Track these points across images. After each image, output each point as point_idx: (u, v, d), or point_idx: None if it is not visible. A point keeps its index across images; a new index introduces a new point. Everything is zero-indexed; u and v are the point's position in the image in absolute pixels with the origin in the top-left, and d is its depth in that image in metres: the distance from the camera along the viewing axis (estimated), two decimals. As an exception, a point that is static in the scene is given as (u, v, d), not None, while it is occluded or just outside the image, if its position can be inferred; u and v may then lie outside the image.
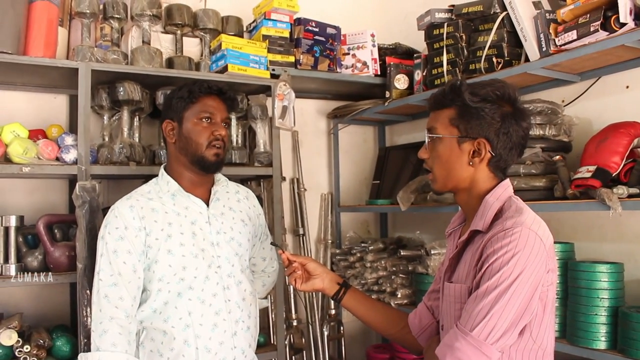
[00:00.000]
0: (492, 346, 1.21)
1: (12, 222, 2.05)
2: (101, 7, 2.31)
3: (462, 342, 1.22)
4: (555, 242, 2.00)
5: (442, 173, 1.41)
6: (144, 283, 1.73)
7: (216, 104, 1.83)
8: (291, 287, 2.87)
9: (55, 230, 2.19)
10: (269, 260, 2.10)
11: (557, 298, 1.98)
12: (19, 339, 1.98)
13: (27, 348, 1.98)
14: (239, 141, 2.58)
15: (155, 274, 1.72)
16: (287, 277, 1.72)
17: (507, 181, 1.41)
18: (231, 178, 2.62)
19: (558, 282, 1.98)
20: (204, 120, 1.79)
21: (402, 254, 2.63)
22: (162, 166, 1.88)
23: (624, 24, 1.77)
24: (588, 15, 1.86)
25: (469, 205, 1.42)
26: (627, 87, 2.09)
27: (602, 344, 1.84)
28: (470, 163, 1.37)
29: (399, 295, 2.61)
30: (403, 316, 1.66)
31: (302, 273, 1.68)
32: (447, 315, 1.40)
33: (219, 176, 1.93)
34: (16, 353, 1.97)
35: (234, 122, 2.54)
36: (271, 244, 1.96)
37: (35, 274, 2.04)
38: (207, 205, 1.84)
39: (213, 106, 1.81)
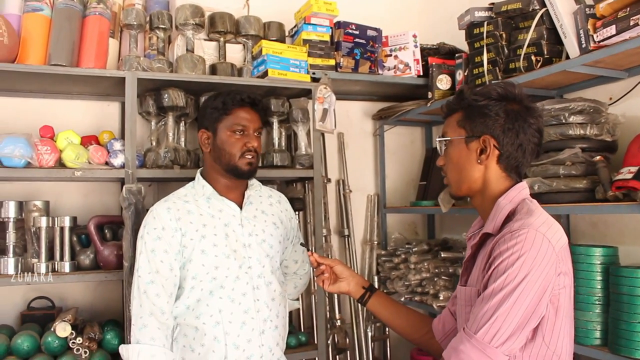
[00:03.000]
0: (497, 349, 1.20)
1: (67, 222, 2.20)
2: (147, 19, 2.44)
3: (466, 345, 1.22)
4: (596, 247, 1.94)
5: (455, 176, 1.43)
6: (179, 281, 1.82)
7: (249, 115, 1.88)
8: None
9: (106, 230, 2.33)
10: (301, 263, 2.14)
11: (599, 304, 1.92)
12: (73, 331, 2.11)
13: (79, 340, 2.12)
14: (282, 144, 2.64)
15: (189, 272, 1.80)
16: (315, 278, 1.76)
17: (523, 184, 1.39)
18: (273, 180, 2.71)
19: (599, 287, 1.92)
20: (237, 132, 1.86)
21: (442, 256, 2.61)
22: (198, 170, 1.97)
23: (666, 17, 1.68)
24: (628, 9, 1.77)
25: (483, 208, 1.43)
26: (678, 82, 1.98)
27: (645, 353, 1.76)
28: (479, 161, 1.38)
29: (441, 298, 2.58)
30: (427, 321, 1.67)
31: (329, 275, 1.73)
32: (460, 319, 1.40)
33: (252, 181, 1.99)
34: (70, 344, 2.11)
35: (275, 126, 2.60)
36: (300, 244, 2.01)
37: (86, 271, 2.20)
38: (241, 208, 1.91)
39: (246, 118, 1.87)
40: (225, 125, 1.87)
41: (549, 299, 1.24)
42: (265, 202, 2.01)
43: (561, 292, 1.27)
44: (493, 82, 2.23)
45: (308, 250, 1.82)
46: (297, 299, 2.21)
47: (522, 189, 1.38)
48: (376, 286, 2.63)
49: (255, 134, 1.90)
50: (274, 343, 1.85)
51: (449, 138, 1.42)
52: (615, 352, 1.82)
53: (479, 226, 1.51)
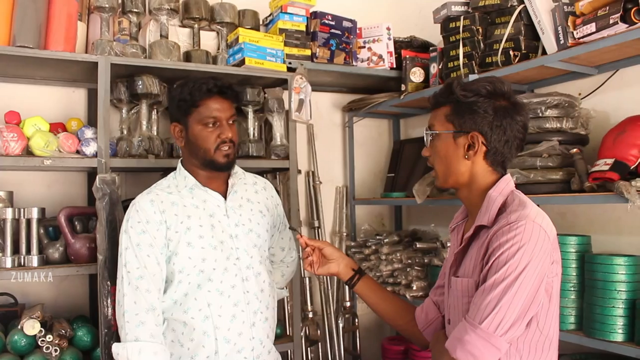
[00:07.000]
0: (501, 338, 1.23)
1: (34, 214, 2.08)
2: (120, 1, 2.34)
3: (471, 335, 1.24)
4: (571, 235, 2.03)
5: (442, 169, 1.45)
6: (166, 275, 1.76)
7: (220, 105, 1.79)
8: (307, 279, 2.89)
9: (76, 222, 2.22)
10: (288, 250, 2.11)
11: (574, 291, 2.00)
12: (42, 328, 2.00)
13: (49, 338, 2.01)
14: (256, 134, 2.59)
15: (175, 266, 1.74)
16: (302, 261, 1.74)
17: (508, 176, 1.44)
18: (248, 171, 2.65)
19: (574, 274, 2.00)
20: (209, 125, 1.78)
21: (417, 246, 2.64)
22: (179, 161, 1.90)
23: (644, 16, 1.76)
24: (607, 8, 1.85)
25: (470, 201, 1.45)
26: (646, 79, 2.09)
27: (619, 336, 1.85)
28: (466, 157, 1.40)
29: (414, 288, 2.62)
30: (411, 309, 1.70)
31: (318, 258, 1.73)
32: (455, 309, 1.42)
33: (235, 168, 1.94)
34: (39, 342, 2.00)
35: (250, 115, 2.55)
36: (289, 227, 1.98)
37: (57, 265, 2.09)
38: (225, 197, 1.86)
39: (216, 109, 1.78)
40: (196, 119, 1.78)
41: (545, 287, 1.28)
42: (251, 190, 1.97)
43: (554, 280, 1.32)
44: (470, 75, 2.28)
45: (298, 233, 1.79)
46: (285, 288, 2.18)
47: (509, 181, 1.42)
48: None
49: (229, 122, 1.82)
50: (265, 335, 1.83)
51: (436, 132, 1.44)
52: (590, 335, 1.91)
53: (462, 217, 1.54)
